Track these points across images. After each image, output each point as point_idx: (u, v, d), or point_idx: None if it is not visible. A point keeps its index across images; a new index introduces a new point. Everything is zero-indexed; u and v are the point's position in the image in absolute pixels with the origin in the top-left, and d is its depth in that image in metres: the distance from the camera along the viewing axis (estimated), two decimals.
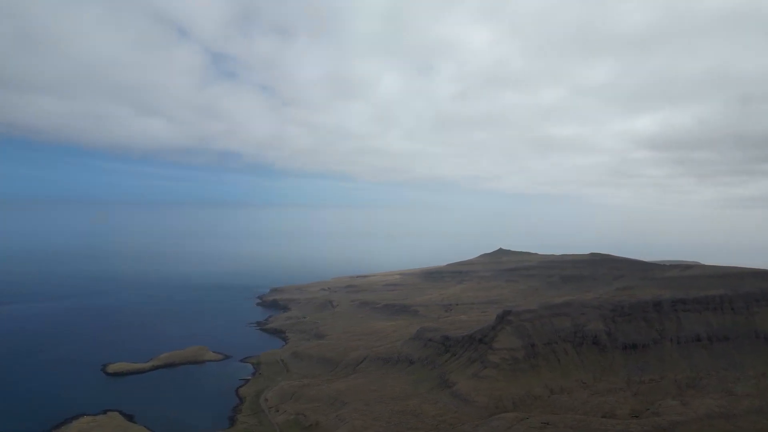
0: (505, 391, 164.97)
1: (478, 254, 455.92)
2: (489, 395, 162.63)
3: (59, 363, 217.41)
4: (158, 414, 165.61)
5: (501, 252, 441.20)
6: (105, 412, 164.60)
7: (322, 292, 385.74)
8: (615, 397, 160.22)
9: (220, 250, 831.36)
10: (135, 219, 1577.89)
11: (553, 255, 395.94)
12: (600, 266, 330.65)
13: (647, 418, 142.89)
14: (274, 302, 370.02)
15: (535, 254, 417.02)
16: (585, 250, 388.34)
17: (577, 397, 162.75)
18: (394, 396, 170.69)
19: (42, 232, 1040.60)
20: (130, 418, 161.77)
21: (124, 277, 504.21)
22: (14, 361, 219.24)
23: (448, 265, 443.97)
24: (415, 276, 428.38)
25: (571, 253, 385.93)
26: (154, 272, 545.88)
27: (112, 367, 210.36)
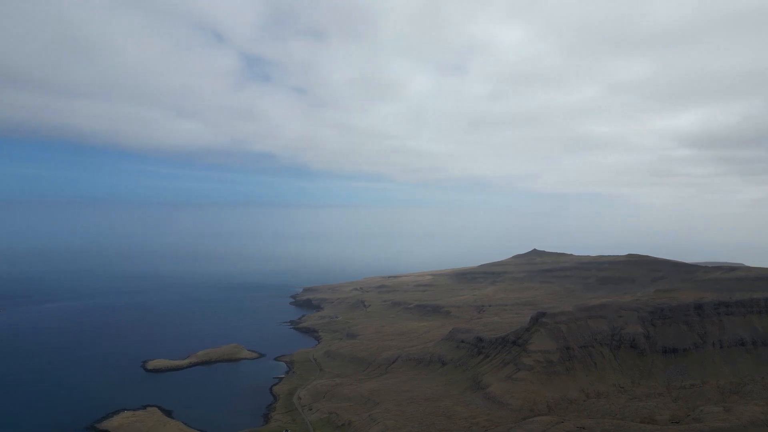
0: (539, 394, 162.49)
1: (512, 255, 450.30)
2: (523, 398, 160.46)
3: (101, 359, 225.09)
4: (195, 410, 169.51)
5: (535, 253, 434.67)
6: (145, 407, 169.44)
7: (354, 292, 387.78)
8: (654, 402, 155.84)
9: (255, 250, 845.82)
10: (173, 220, 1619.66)
11: (588, 256, 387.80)
12: (638, 268, 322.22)
13: (688, 424, 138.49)
14: (307, 301, 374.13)
15: (571, 255, 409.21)
16: (622, 251, 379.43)
17: (614, 401, 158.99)
18: (426, 397, 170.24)
19: (86, 233, 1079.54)
20: (168, 413, 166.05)
21: (162, 276, 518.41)
22: (59, 356, 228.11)
23: (480, 266, 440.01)
24: (447, 277, 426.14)
25: (607, 255, 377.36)
26: (191, 272, 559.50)
27: (151, 364, 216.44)
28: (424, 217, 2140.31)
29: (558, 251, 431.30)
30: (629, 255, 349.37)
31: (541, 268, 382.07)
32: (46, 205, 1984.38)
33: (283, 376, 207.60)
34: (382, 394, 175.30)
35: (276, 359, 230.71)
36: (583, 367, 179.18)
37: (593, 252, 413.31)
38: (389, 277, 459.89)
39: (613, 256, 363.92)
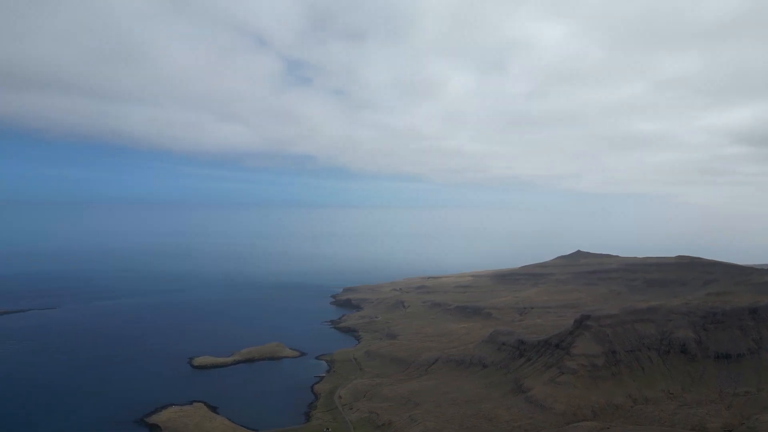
0: (583, 399, 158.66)
1: (555, 256, 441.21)
2: (566, 402, 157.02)
3: (150, 355, 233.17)
4: (239, 406, 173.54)
5: (579, 254, 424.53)
6: (191, 402, 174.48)
7: (393, 293, 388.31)
8: (706, 410, 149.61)
9: (296, 250, 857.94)
10: (218, 221, 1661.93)
11: (635, 258, 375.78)
12: (689, 270, 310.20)
13: None
14: (347, 301, 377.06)
15: (616, 257, 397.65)
16: (671, 252, 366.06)
17: (663, 408, 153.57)
18: (467, 399, 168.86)
19: (134, 233, 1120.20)
20: (214, 409, 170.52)
21: (207, 275, 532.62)
22: (110, 352, 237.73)
23: (522, 267, 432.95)
24: (488, 278, 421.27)
25: (655, 256, 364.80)
26: (234, 271, 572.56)
27: (198, 361, 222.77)
28: (464, 217, 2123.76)
29: (603, 252, 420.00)
30: (679, 256, 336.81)
31: (585, 269, 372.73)
32: (97, 206, 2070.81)
33: (323, 374, 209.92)
34: (422, 395, 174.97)
35: (317, 358, 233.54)
36: (630, 372, 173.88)
37: (640, 253, 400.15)
38: (429, 277, 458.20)
39: (662, 257, 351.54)
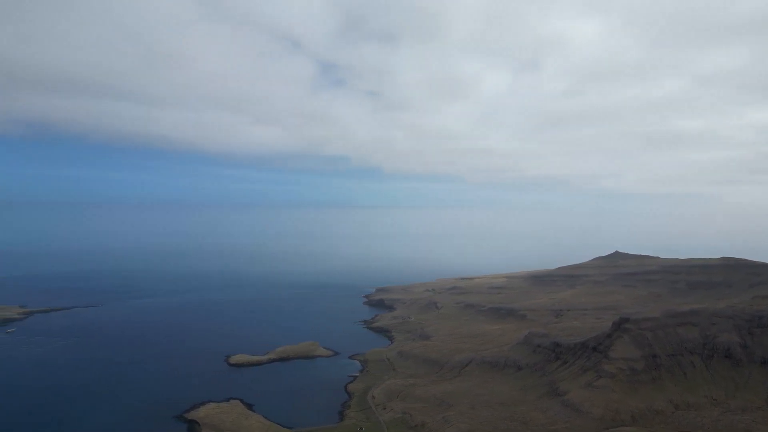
0: (622, 404, 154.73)
1: (592, 257, 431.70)
2: (604, 407, 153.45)
3: (188, 353, 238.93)
4: (274, 404, 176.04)
5: (617, 255, 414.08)
6: (228, 399, 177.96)
7: (426, 293, 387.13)
8: (752, 417, 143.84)
9: (330, 250, 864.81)
10: (252, 221, 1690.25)
11: (677, 259, 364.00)
12: (734, 272, 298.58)
13: None
14: (380, 302, 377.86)
15: (656, 258, 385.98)
16: (715, 253, 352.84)
17: (706, 414, 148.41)
18: (501, 401, 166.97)
19: (172, 233, 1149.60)
20: (250, 406, 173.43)
21: (242, 275, 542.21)
22: (150, 349, 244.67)
23: (558, 268, 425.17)
24: (523, 279, 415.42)
25: (698, 257, 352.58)
26: (269, 271, 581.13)
27: (234, 359, 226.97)
28: (497, 218, 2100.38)
29: (643, 254, 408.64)
30: (724, 258, 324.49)
31: (623, 271, 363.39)
32: (137, 208, 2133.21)
33: (357, 374, 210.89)
34: (455, 396, 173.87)
35: (350, 357, 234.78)
36: (672, 377, 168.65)
37: (682, 255, 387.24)
38: (462, 278, 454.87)
39: (706, 259, 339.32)
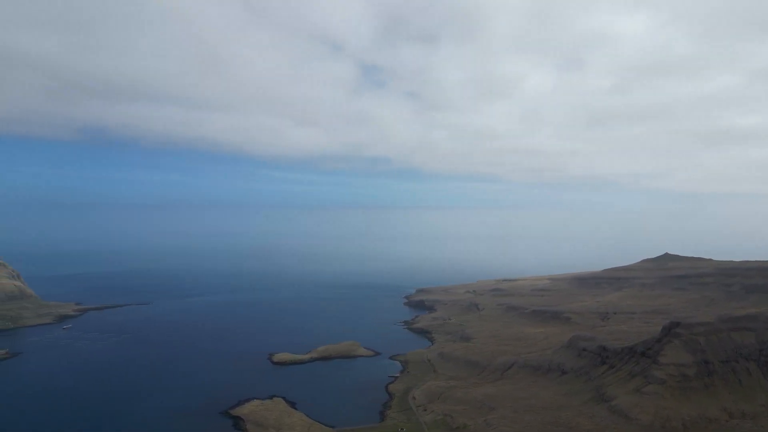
0: (673, 411, 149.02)
1: (640, 259, 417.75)
2: (654, 413, 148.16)
3: (233, 350, 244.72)
4: (316, 402, 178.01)
5: (667, 257, 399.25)
6: (271, 397, 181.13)
7: (467, 295, 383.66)
8: None
9: (371, 251, 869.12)
10: (294, 222, 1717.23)
11: (731, 261, 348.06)
12: None
13: None
14: (420, 302, 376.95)
15: (709, 260, 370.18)
16: None
17: (763, 423, 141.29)
18: (545, 406, 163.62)
19: (218, 234, 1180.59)
20: (292, 404, 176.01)
21: (285, 275, 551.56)
22: (196, 346, 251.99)
23: (604, 270, 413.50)
24: (567, 281, 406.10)
25: (755, 260, 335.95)
26: (311, 271, 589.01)
27: (277, 357, 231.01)
28: (541, 218, 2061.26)
29: (694, 255, 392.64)
30: None
31: (674, 273, 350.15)
32: (184, 208, 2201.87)
33: (397, 375, 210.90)
34: (497, 399, 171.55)
35: (391, 358, 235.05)
36: (725, 384, 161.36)
37: (737, 257, 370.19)
38: (504, 280, 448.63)
39: (763, 261, 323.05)
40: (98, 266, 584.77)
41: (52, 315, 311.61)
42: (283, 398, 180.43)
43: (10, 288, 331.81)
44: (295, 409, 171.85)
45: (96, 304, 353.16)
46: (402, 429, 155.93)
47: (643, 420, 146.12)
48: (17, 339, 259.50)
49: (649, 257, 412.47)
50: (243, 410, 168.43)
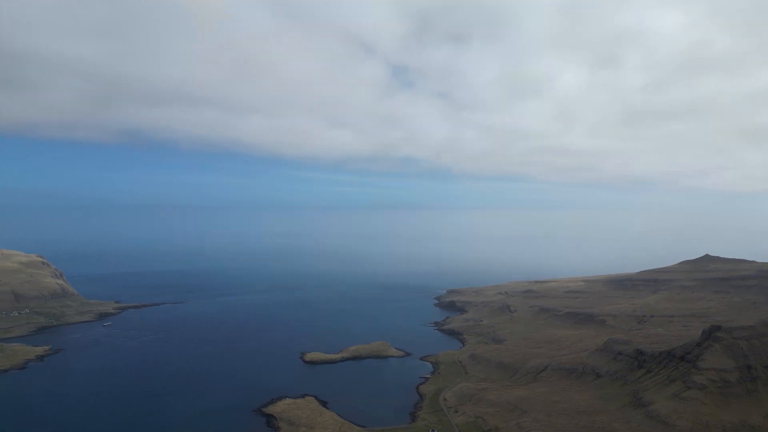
0: (713, 417, 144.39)
1: (678, 261, 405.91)
2: (693, 420, 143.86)
3: (266, 349, 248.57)
4: (347, 402, 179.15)
5: (707, 258, 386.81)
6: (303, 396, 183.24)
7: (499, 296, 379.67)
8: None
9: (401, 251, 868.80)
10: (326, 222, 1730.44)
11: None
12: None
13: None
14: (451, 303, 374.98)
15: (752, 262, 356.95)
16: None
17: None
18: (579, 410, 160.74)
19: (252, 234, 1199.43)
20: (324, 403, 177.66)
21: (316, 274, 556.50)
22: (230, 344, 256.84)
23: (641, 272, 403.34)
24: (602, 283, 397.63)
25: None
26: (342, 271, 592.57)
27: (309, 356, 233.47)
28: (574, 218, 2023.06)
29: (737, 257, 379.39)
30: None
31: (714, 276, 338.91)
32: (219, 210, 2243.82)
33: (428, 376, 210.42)
34: (530, 402, 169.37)
35: (421, 359, 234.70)
36: None
37: None
38: (536, 281, 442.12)
39: None
40: (137, 266, 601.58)
41: (93, 313, 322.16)
42: (315, 397, 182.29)
43: (54, 287, 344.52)
44: (327, 408, 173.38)
45: (135, 302, 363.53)
46: (433, 430, 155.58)
47: (681, 426, 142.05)
48: (60, 336, 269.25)
49: (688, 259, 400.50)
50: (275, 408, 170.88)
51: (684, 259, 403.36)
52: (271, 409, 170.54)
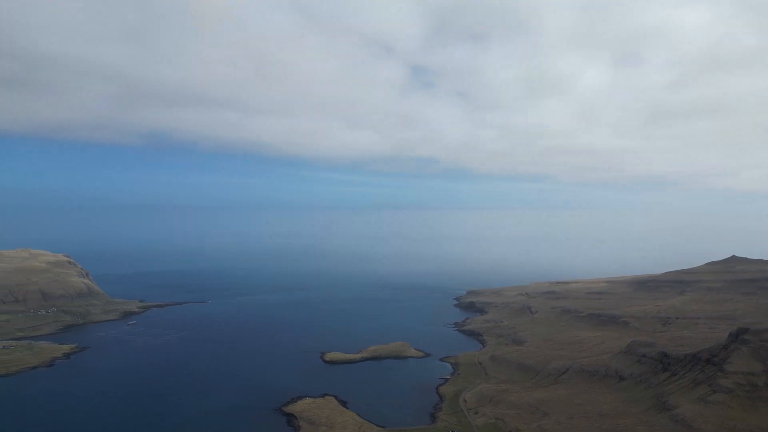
0: (740, 421, 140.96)
1: (704, 262, 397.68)
2: (719, 424, 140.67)
3: (286, 348, 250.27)
4: (367, 402, 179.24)
5: (735, 260, 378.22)
6: (323, 395, 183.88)
7: (519, 297, 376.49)
8: None
9: (420, 252, 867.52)
10: (345, 223, 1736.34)
11: None
12: None
13: None
14: (470, 304, 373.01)
15: None
16: None
17: None
18: (602, 413, 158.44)
19: (270, 235, 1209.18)
20: (343, 403, 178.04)
21: (335, 274, 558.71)
22: (250, 343, 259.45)
23: (665, 273, 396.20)
24: (625, 284, 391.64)
25: None
26: (361, 271, 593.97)
27: (328, 356, 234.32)
28: (596, 219, 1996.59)
29: (763, 258, 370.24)
30: None
31: (742, 277, 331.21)
32: (239, 210, 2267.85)
33: (448, 377, 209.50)
34: (551, 404, 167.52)
35: (441, 360, 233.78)
36: None
37: None
38: (558, 282, 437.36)
39: None
40: (159, 265, 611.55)
41: (117, 311, 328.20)
42: (335, 397, 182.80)
43: (80, 286, 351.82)
44: (347, 408, 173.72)
45: (158, 301, 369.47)
46: (453, 431, 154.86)
47: (706, 430, 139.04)
48: (85, 334, 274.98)
49: (715, 260, 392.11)
50: (296, 407, 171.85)
51: (710, 260, 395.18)
52: (292, 408, 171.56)
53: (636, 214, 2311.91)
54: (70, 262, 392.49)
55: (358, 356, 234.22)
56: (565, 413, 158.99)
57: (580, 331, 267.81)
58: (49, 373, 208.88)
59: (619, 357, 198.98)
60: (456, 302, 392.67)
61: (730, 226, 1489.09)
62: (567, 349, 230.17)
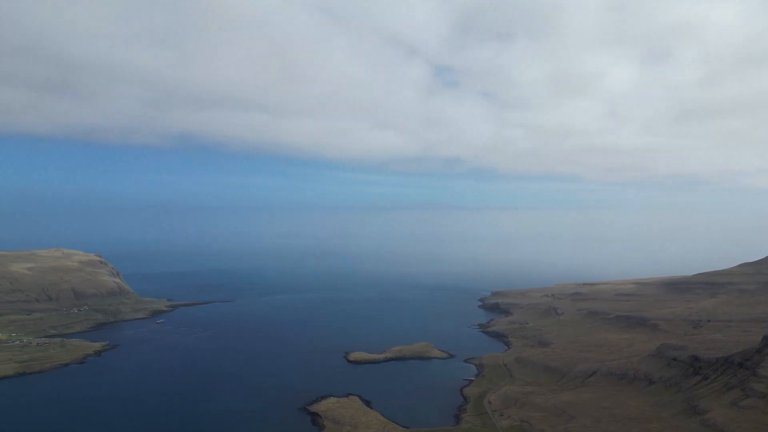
0: None
1: (738, 263, 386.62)
2: (752, 429, 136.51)
3: (311, 348, 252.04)
4: (391, 402, 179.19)
5: None
6: (347, 395, 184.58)
7: (545, 299, 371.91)
8: None
9: (445, 252, 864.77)
10: (370, 223, 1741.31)
11: None
12: None
13: None
14: (495, 305, 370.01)
15: None
16: None
17: None
18: (630, 417, 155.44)
19: (296, 235, 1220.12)
20: (367, 403, 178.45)
21: (360, 274, 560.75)
22: (275, 343, 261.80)
23: (696, 274, 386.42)
24: (654, 286, 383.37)
25: None
26: (385, 271, 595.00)
27: (352, 356, 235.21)
28: (625, 219, 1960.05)
29: None
30: None
31: None
32: (266, 211, 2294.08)
33: (473, 378, 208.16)
34: (578, 408, 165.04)
35: (465, 361, 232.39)
36: None
37: None
38: (585, 284, 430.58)
39: None
40: (188, 265, 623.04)
41: (147, 310, 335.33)
42: (359, 396, 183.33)
43: (110, 285, 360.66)
44: (371, 408, 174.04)
45: (186, 300, 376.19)
46: None
47: None
48: (116, 332, 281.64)
49: (748, 261, 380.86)
50: (320, 407, 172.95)
51: (743, 262, 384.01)
52: (316, 408, 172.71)
53: (666, 214, 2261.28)
54: (101, 262, 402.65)
55: (382, 356, 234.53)
56: (592, 417, 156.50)
57: (607, 333, 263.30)
58: (81, 370, 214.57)
59: (649, 360, 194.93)
60: (480, 303, 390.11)
61: (763, 227, 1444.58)
62: (594, 351, 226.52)
